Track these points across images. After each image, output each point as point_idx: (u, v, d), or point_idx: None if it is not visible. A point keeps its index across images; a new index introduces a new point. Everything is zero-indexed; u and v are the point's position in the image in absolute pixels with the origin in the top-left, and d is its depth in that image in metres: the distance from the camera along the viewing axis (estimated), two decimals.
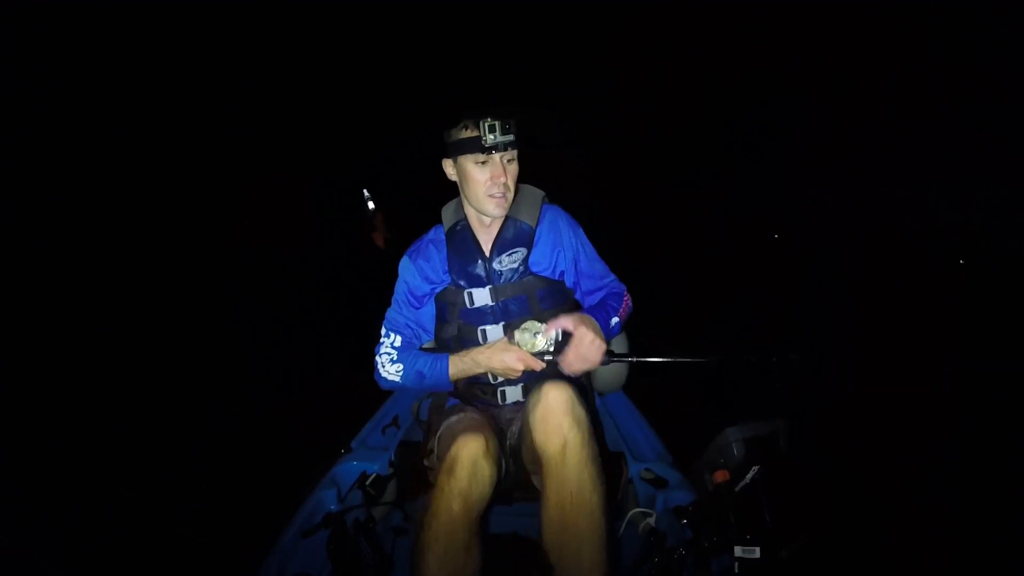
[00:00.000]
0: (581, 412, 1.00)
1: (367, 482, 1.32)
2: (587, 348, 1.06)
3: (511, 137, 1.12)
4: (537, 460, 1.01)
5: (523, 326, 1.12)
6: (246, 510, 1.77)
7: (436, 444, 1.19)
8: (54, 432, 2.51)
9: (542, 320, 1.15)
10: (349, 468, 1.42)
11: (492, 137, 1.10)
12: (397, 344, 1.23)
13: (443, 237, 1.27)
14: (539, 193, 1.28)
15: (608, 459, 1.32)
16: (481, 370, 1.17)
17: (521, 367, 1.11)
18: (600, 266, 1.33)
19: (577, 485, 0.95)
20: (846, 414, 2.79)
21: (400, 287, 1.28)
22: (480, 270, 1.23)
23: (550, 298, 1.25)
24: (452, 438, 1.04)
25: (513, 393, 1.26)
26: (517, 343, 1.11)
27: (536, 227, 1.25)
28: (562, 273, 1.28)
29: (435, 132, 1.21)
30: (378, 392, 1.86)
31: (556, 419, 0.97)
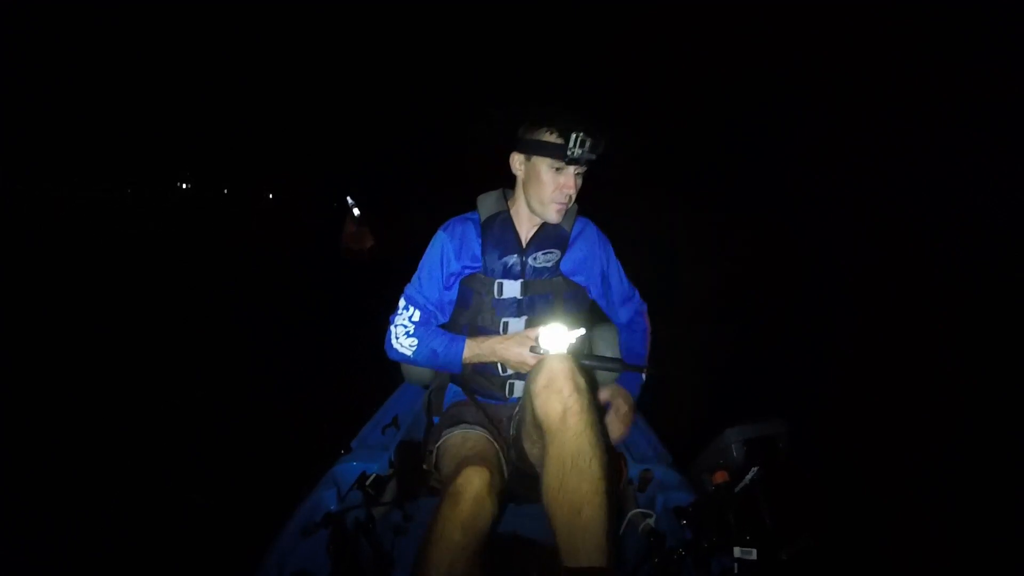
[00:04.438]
0: (582, 380, 0.99)
1: (367, 482, 1.31)
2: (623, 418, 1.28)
3: (593, 156, 1.15)
4: (538, 428, 1.01)
5: (551, 326, 1.11)
6: (245, 510, 1.77)
7: (436, 455, 1.19)
8: (53, 432, 2.51)
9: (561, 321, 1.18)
10: (349, 468, 1.42)
11: (580, 151, 1.12)
12: (416, 319, 1.24)
13: (479, 223, 1.28)
14: (575, 204, 1.32)
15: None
16: (495, 359, 1.19)
17: (533, 363, 1.12)
18: (628, 284, 1.42)
19: (576, 449, 0.94)
20: (846, 414, 2.79)
21: (430, 260, 1.27)
22: (514, 263, 1.24)
23: (573, 301, 1.30)
24: (456, 463, 1.05)
25: (521, 388, 1.27)
26: (539, 343, 1.11)
27: (571, 234, 1.31)
28: (586, 281, 1.34)
29: (508, 124, 1.23)
30: (378, 391, 1.87)
31: (558, 384, 0.96)
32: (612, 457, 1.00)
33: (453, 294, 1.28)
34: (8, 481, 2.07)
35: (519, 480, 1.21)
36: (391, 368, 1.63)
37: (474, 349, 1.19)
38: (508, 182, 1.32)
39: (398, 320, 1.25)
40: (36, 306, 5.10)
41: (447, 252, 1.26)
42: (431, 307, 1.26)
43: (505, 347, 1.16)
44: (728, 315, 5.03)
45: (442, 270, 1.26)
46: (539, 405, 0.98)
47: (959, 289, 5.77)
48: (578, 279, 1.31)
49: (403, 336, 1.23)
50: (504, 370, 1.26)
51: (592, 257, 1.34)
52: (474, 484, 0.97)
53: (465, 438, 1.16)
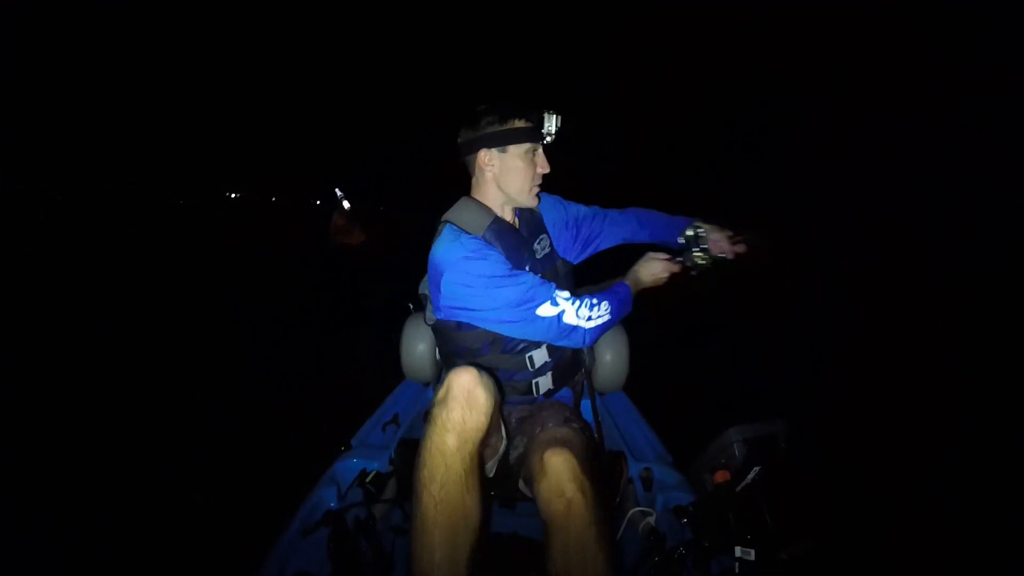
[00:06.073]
0: (584, 478, 0.96)
1: (367, 480, 1.31)
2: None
3: (560, 130, 1.20)
4: (540, 515, 0.99)
5: (687, 231, 1.27)
6: (246, 509, 1.77)
7: None
8: (53, 432, 2.51)
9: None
10: (349, 466, 1.42)
11: (552, 128, 1.18)
12: (567, 295, 1.14)
13: (477, 238, 1.16)
14: None
15: (608, 459, 1.33)
16: (643, 286, 1.27)
17: (666, 274, 1.25)
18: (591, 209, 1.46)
19: (580, 545, 0.91)
20: (846, 414, 2.79)
21: (490, 276, 1.09)
22: (528, 259, 1.24)
23: (570, 278, 1.35)
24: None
25: (545, 383, 1.28)
26: (694, 257, 1.24)
27: (540, 214, 1.33)
28: (566, 252, 1.39)
29: (470, 125, 1.21)
30: (378, 389, 1.87)
31: (559, 487, 0.94)
32: (614, 554, 0.99)
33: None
34: (8, 481, 2.07)
35: (518, 481, 1.21)
36: (391, 365, 1.64)
37: (631, 288, 1.25)
38: (459, 191, 1.27)
39: (568, 311, 1.12)
40: (37, 306, 5.09)
41: (490, 255, 1.12)
42: (544, 281, 1.15)
43: (640, 274, 1.27)
44: (728, 315, 5.03)
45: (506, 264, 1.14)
46: (541, 502, 0.97)
47: (959, 289, 5.77)
48: (565, 253, 1.36)
49: (594, 310, 1.14)
50: (532, 366, 1.24)
51: (561, 218, 1.38)
52: (461, 379, 0.95)
53: None
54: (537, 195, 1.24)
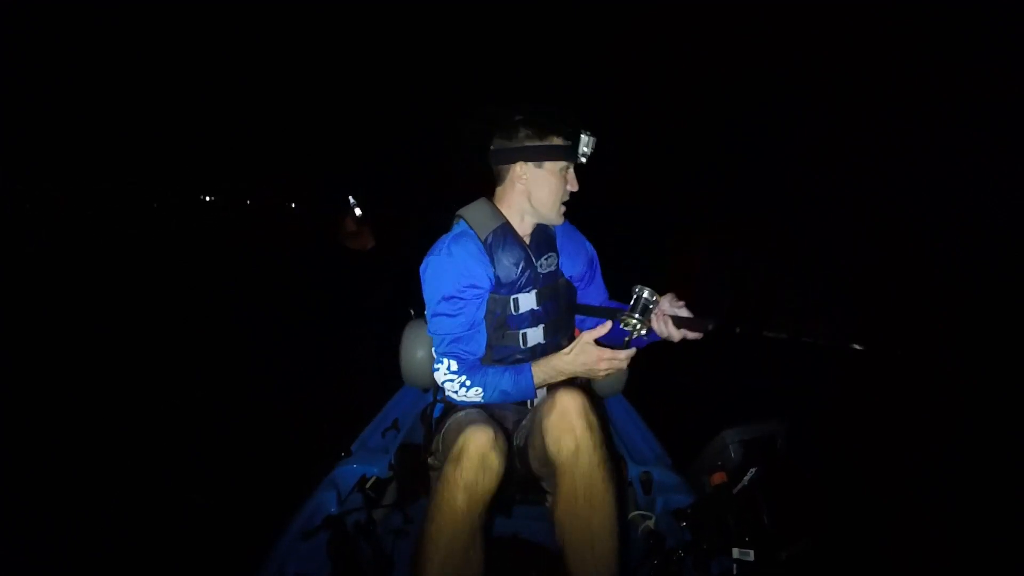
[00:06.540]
0: (593, 418, 1.00)
1: (367, 485, 1.32)
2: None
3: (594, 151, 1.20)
4: (548, 463, 1.02)
5: (641, 294, 1.05)
6: (245, 512, 1.77)
7: (441, 441, 1.19)
8: (53, 432, 2.51)
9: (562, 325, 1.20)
10: (349, 471, 1.42)
11: (587, 148, 1.19)
12: (455, 368, 1.17)
13: (478, 239, 1.20)
14: None
15: None
16: (564, 377, 1.12)
17: (604, 366, 1.06)
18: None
19: (588, 486, 0.95)
20: (845, 414, 2.79)
21: (442, 293, 1.16)
22: (526, 274, 1.23)
23: (571, 300, 1.33)
24: (459, 430, 1.04)
25: (540, 392, 1.25)
26: (630, 320, 1.05)
27: (555, 233, 1.32)
28: (580, 277, 1.37)
29: (505, 135, 1.21)
30: (378, 394, 1.88)
31: (569, 422, 0.98)
32: (622, 488, 1.01)
33: (479, 314, 1.21)
34: (8, 481, 2.07)
35: (521, 483, 1.22)
36: (391, 370, 1.64)
37: (540, 376, 1.13)
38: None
39: (443, 378, 1.18)
40: (37, 306, 5.10)
41: (464, 273, 1.17)
42: (463, 345, 1.19)
43: (567, 361, 1.09)
44: (727, 316, 5.03)
45: (461, 295, 1.18)
46: (551, 441, 0.99)
47: (959, 289, 5.77)
48: (571, 276, 1.34)
49: (461, 389, 1.16)
50: None
51: (579, 250, 1.36)
52: (477, 440, 0.97)
53: (468, 413, 1.17)
54: (563, 212, 1.25)
